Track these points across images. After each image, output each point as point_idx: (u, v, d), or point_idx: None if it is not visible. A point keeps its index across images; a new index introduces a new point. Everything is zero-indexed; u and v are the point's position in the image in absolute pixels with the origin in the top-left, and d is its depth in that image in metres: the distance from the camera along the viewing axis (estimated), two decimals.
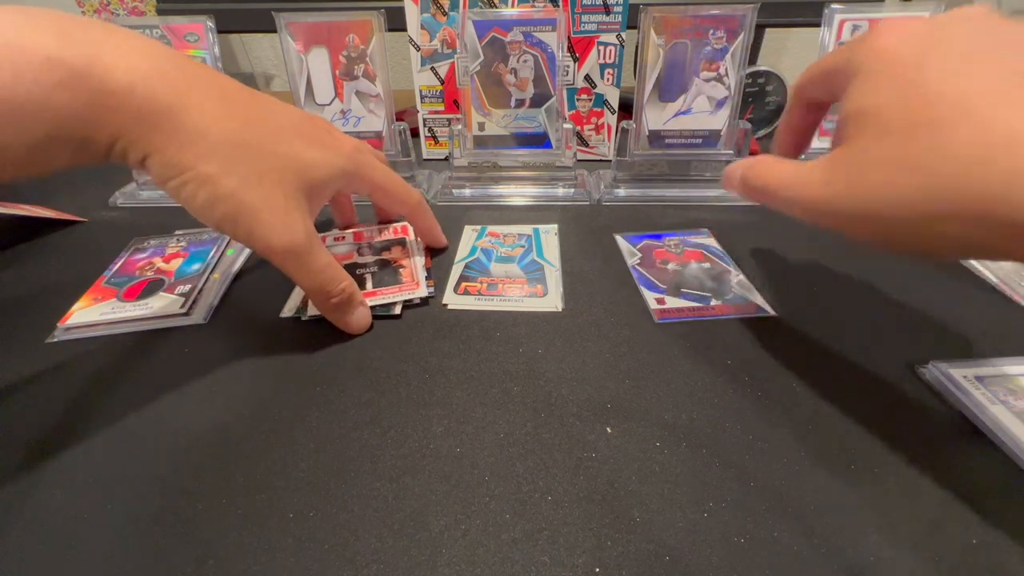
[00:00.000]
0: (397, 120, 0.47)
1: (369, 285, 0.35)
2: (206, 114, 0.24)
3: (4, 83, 0.20)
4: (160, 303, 0.33)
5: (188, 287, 0.35)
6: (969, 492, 0.22)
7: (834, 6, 0.41)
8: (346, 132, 0.39)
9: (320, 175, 0.29)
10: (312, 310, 0.33)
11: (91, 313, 0.33)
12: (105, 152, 0.23)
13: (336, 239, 0.40)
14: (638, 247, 0.39)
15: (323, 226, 0.42)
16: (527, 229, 0.42)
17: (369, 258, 0.37)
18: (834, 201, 0.21)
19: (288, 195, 0.27)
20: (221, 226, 0.26)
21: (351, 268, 0.36)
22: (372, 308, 0.33)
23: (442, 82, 0.52)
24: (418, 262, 0.37)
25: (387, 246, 0.39)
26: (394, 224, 0.41)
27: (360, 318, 0.31)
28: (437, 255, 0.39)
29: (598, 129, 0.54)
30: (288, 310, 0.33)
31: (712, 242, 0.40)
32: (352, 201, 0.41)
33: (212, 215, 0.25)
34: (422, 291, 0.34)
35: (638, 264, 0.37)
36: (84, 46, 0.22)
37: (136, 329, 0.32)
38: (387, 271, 0.36)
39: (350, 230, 0.41)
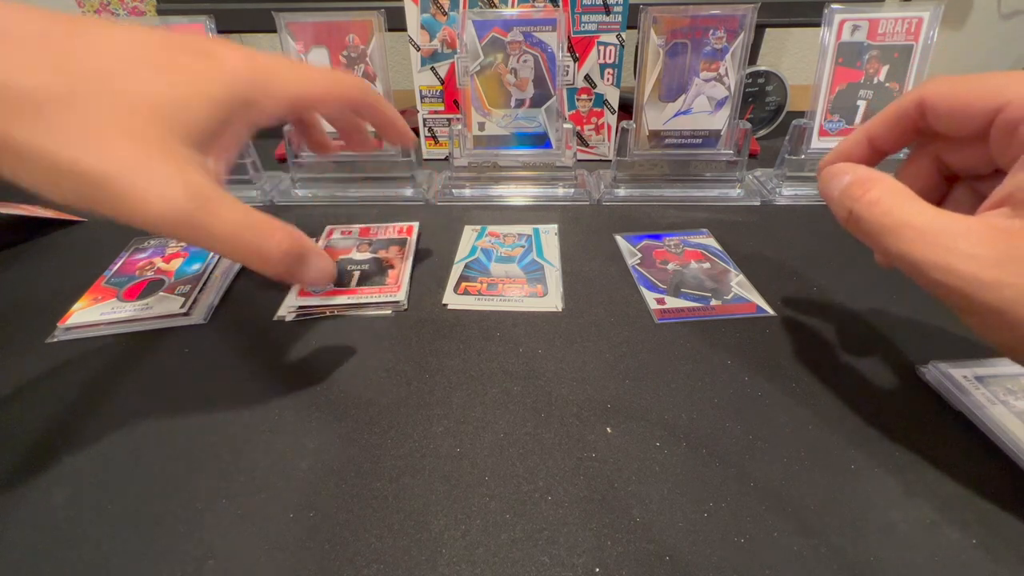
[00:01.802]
0: None
1: (354, 283, 0.35)
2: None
3: None
4: (160, 303, 0.33)
5: (188, 287, 0.35)
6: (969, 492, 0.22)
7: (834, 6, 0.41)
8: None
9: (193, 111, 0.21)
10: (293, 308, 0.33)
11: (91, 313, 0.33)
12: None
13: (343, 233, 0.40)
14: (638, 247, 0.39)
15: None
16: (527, 229, 0.42)
17: (366, 255, 0.37)
18: (1000, 293, 0.15)
19: (150, 146, 0.20)
20: (79, 207, 0.20)
21: (344, 264, 0.36)
22: (345, 307, 0.33)
23: (442, 82, 0.52)
24: (408, 265, 0.36)
25: (385, 245, 0.39)
26: (399, 224, 0.41)
27: (317, 271, 0.25)
28: (423, 257, 0.38)
29: (598, 129, 0.54)
30: (281, 310, 0.33)
31: (712, 242, 0.40)
32: (318, 121, 0.33)
33: (62, 196, 0.19)
34: (399, 296, 0.34)
35: (638, 264, 0.37)
36: None
37: (136, 329, 0.32)
38: (376, 271, 0.36)
39: (356, 225, 0.41)
